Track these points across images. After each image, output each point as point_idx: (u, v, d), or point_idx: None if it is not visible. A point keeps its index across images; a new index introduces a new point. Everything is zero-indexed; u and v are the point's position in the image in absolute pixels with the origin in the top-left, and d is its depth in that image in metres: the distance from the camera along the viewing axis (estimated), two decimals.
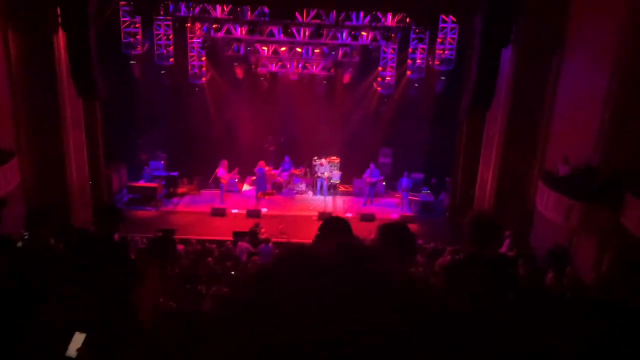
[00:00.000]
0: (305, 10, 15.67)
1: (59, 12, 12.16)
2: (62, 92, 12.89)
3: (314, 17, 15.87)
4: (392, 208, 17.19)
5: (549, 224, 11.44)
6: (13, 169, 12.08)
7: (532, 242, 12.68)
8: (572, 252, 10.72)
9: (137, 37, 16.88)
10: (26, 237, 4.39)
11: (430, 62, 17.90)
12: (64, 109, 13.03)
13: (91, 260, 3.67)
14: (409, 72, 18.38)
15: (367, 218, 15.59)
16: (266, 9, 15.18)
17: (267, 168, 18.03)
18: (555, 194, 10.83)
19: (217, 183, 17.48)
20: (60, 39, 12.54)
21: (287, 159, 18.88)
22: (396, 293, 0.74)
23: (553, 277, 8.29)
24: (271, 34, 17.37)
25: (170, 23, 17.42)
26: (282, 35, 16.70)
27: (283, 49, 18.22)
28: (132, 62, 17.27)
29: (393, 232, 2.91)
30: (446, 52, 17.15)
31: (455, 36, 16.68)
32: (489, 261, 3.03)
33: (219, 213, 15.89)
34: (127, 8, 16.18)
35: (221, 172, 17.15)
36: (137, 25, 16.70)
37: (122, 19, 16.44)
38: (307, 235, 13.80)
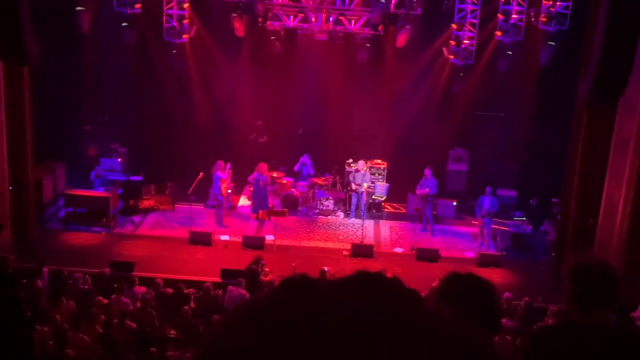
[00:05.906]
0: None
1: None
2: None
3: None
4: (466, 241, 17.03)
5: None
6: None
7: None
8: None
9: None
10: None
11: (533, 19, 17.74)
12: None
13: None
14: (498, 33, 18.29)
15: (427, 256, 15.43)
16: None
17: (271, 174, 17.98)
18: None
19: (195, 194, 17.09)
20: None
21: (306, 160, 18.85)
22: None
23: None
24: None
25: None
26: None
27: None
28: (79, 8, 17.48)
29: (463, 287, 2.91)
30: (558, 3, 16.87)
31: None
32: (602, 335, 2.95)
33: (202, 240, 15.90)
34: None
35: (219, 176, 16.87)
36: None
37: None
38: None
